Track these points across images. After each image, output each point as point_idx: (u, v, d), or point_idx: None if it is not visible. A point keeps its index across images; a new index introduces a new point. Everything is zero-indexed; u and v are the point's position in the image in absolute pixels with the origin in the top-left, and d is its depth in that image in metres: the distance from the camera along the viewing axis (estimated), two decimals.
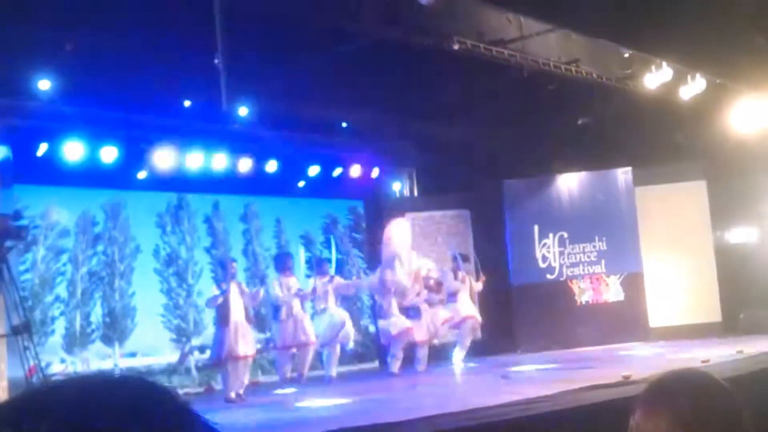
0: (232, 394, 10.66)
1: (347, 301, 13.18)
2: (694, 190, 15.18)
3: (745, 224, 15.79)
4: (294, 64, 10.92)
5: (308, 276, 12.67)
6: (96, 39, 9.82)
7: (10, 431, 0.75)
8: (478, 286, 13.59)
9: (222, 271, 11.31)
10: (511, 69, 11.20)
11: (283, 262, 12.07)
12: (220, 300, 10.81)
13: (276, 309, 11.82)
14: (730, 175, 14.85)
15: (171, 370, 12.59)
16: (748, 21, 11.22)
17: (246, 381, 11.00)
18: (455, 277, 13.50)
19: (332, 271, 12.35)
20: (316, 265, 12.70)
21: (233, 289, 10.94)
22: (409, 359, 12.82)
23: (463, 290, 13.39)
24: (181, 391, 12.10)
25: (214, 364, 11.27)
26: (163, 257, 13.01)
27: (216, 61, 7.63)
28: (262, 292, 11.44)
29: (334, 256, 12.75)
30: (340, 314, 12.12)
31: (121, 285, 12.49)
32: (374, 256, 15.06)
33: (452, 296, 13.42)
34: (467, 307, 13.33)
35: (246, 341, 10.87)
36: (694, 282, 15.05)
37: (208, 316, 13.19)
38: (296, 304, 11.73)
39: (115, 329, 12.33)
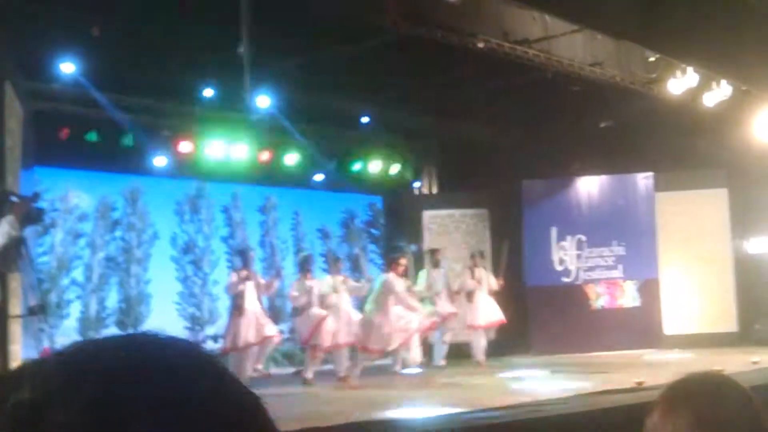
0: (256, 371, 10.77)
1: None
2: (715, 198, 15.07)
3: (765, 234, 15.66)
4: (317, 56, 10.92)
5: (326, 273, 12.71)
6: (121, 25, 9.86)
7: (41, 390, 0.73)
8: (495, 284, 13.44)
9: (240, 259, 11.39)
10: (535, 69, 11.15)
11: (304, 264, 12.01)
12: (241, 287, 10.86)
13: (293, 309, 11.88)
14: (752, 185, 14.73)
15: None
16: None
17: (261, 365, 11.06)
18: (472, 276, 13.45)
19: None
20: (333, 263, 12.62)
21: (251, 279, 11.04)
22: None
23: (479, 289, 13.32)
24: None
25: (225, 351, 11.30)
26: (180, 245, 13.06)
27: (240, 50, 7.63)
28: (276, 283, 11.49)
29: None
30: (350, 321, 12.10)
31: (137, 271, 12.55)
32: (391, 251, 15.05)
33: (468, 296, 13.37)
34: (447, 307, 13.20)
35: (267, 326, 10.94)
36: (710, 291, 14.94)
37: (223, 305, 13.22)
38: (315, 300, 11.68)
39: (129, 315, 12.38)
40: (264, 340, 11.04)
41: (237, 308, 10.90)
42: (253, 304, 10.95)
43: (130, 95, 11.63)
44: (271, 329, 11.10)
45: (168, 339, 0.82)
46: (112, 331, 12.19)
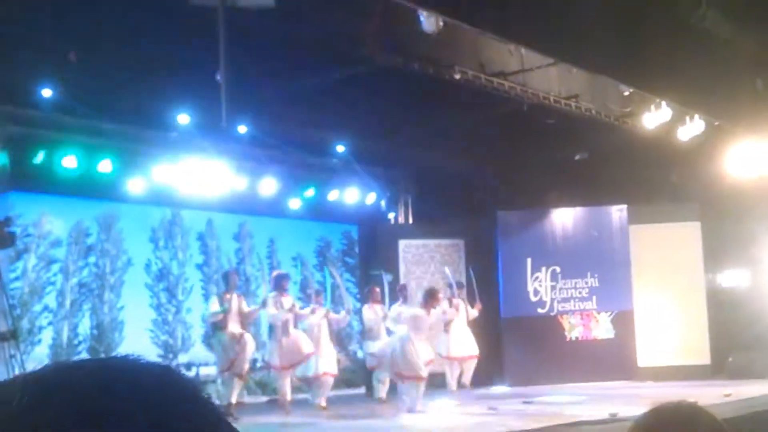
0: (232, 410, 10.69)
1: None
2: (688, 231, 15.18)
3: (738, 267, 15.80)
4: (295, 84, 10.95)
5: (302, 301, 12.75)
6: (99, 51, 9.84)
7: (12, 408, 0.73)
8: (474, 312, 13.40)
9: (224, 283, 11.45)
10: (511, 101, 11.24)
11: (279, 282, 12.05)
12: (220, 317, 10.93)
13: (271, 328, 11.86)
14: (725, 218, 14.86)
15: None
16: (749, 64, 11.30)
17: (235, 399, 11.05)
18: (450, 305, 13.42)
19: (327, 303, 12.33)
20: (315, 295, 12.63)
21: (234, 302, 11.08)
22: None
23: (457, 317, 13.28)
24: None
25: (226, 369, 11.30)
26: (155, 272, 12.97)
27: (217, 77, 7.65)
28: (257, 313, 11.57)
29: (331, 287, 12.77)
30: (331, 352, 12.11)
31: (110, 298, 12.44)
32: (366, 281, 15.05)
33: (445, 326, 13.35)
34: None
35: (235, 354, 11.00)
36: (684, 323, 15.01)
37: (196, 333, 13.15)
38: (291, 321, 11.71)
39: (102, 342, 12.26)
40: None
41: (221, 329, 11.01)
42: (235, 327, 11.06)
43: (106, 121, 11.59)
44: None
45: (145, 363, 0.82)
46: (83, 358, 12.05)
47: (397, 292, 13.00)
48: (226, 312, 11.06)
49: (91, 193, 12.18)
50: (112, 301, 12.44)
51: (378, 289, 12.99)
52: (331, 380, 12.06)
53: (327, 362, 11.96)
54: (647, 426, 1.86)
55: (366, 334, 13.16)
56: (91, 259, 12.37)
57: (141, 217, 12.93)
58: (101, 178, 11.95)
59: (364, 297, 13.31)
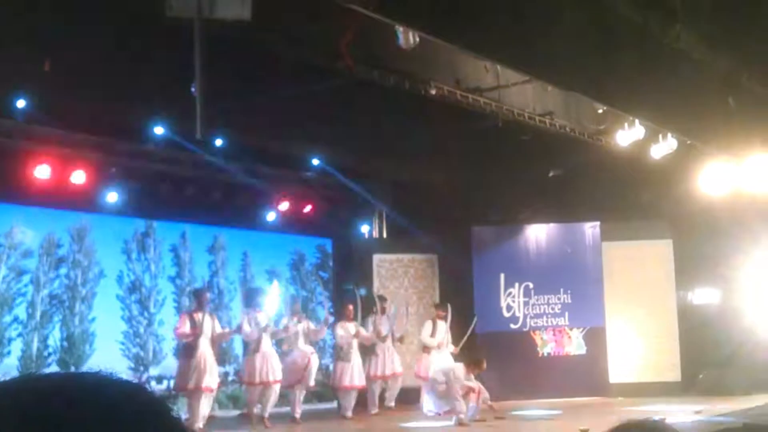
0: (196, 428, 10.57)
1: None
2: (660, 249, 15.29)
3: (709, 285, 15.91)
4: (270, 97, 10.93)
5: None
6: (73, 61, 9.78)
7: None
8: (452, 349, 13.41)
9: (195, 301, 11.34)
10: (487, 117, 11.29)
11: (253, 298, 12.05)
12: (191, 338, 10.80)
13: (245, 344, 11.82)
14: (696, 237, 14.97)
15: None
16: (721, 83, 11.40)
17: (207, 414, 10.94)
18: (434, 329, 13.40)
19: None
20: (289, 304, 12.62)
21: (206, 321, 10.95)
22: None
23: (439, 351, 13.27)
24: None
25: (174, 393, 11.21)
26: (127, 284, 12.89)
27: (192, 89, 7.61)
28: (230, 336, 11.52)
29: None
30: (306, 354, 12.09)
31: (81, 309, 12.34)
32: (340, 295, 15.04)
33: (426, 349, 13.38)
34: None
35: (211, 374, 10.86)
36: (655, 340, 15.10)
37: (168, 346, 13.07)
38: (266, 340, 11.64)
39: (72, 354, 12.15)
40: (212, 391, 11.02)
41: (189, 349, 10.87)
42: (205, 346, 10.91)
43: (79, 131, 11.53)
44: (215, 380, 11.06)
45: (115, 379, 0.81)
46: (53, 370, 11.93)
47: (379, 306, 13.17)
48: (197, 333, 10.88)
49: (64, 204, 12.10)
50: (83, 313, 12.34)
51: (351, 307, 12.99)
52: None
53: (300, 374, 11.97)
54: None
55: (336, 352, 13.14)
56: (63, 271, 12.27)
57: (114, 228, 12.85)
58: (74, 189, 11.87)
59: (339, 314, 13.29)
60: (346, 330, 12.73)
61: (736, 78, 11.32)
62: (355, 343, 12.67)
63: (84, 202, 12.13)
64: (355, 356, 12.66)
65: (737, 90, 11.50)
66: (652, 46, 10.10)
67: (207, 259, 13.95)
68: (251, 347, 11.63)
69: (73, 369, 12.06)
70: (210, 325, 11.09)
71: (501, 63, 9.86)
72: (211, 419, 11.44)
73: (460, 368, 11.72)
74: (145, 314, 13.00)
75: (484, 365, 12.02)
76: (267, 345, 11.64)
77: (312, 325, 12.49)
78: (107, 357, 12.39)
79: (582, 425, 9.54)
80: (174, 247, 13.51)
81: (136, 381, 0.86)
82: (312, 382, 12.23)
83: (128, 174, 12.38)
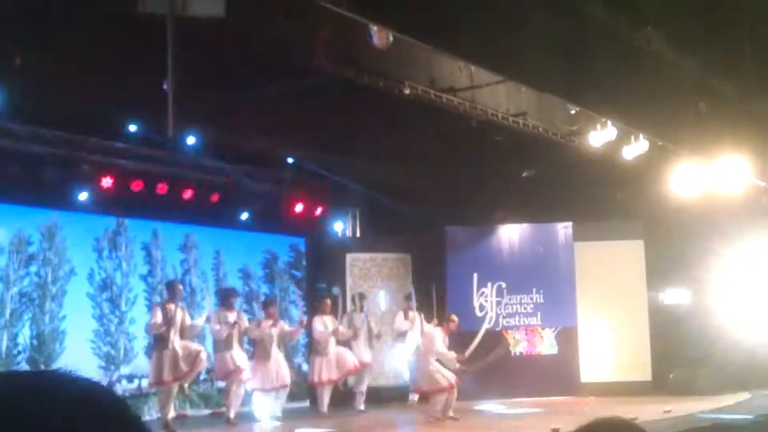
0: (169, 419, 10.64)
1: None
2: (632, 249, 15.40)
3: (679, 286, 16.04)
4: (244, 95, 10.90)
5: (247, 313, 12.79)
6: (45, 57, 9.71)
7: None
8: (430, 327, 13.36)
9: (168, 293, 11.32)
10: (461, 117, 11.31)
11: (226, 297, 12.05)
12: (163, 329, 10.79)
13: (214, 342, 11.80)
14: (668, 237, 15.10)
15: None
16: (692, 86, 11.50)
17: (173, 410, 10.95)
18: (405, 317, 13.48)
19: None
20: (263, 307, 12.64)
21: (178, 313, 10.96)
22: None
23: (412, 330, 13.33)
24: None
25: (151, 386, 11.23)
26: (98, 282, 12.79)
27: (164, 87, 7.57)
28: (200, 328, 11.49)
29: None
30: (280, 360, 12.12)
31: (51, 307, 12.23)
32: (312, 294, 15.02)
33: (400, 336, 13.43)
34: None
35: (185, 364, 10.88)
36: (626, 340, 15.21)
37: (139, 344, 12.99)
38: (235, 335, 11.65)
39: (42, 352, 12.05)
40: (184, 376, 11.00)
41: (162, 341, 10.85)
42: (177, 339, 10.92)
43: (51, 128, 11.43)
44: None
45: (75, 377, 0.81)
46: (22, 368, 11.84)
47: (357, 304, 13.23)
48: (169, 324, 10.92)
49: (34, 201, 12.00)
50: (54, 311, 12.23)
51: (329, 302, 13.03)
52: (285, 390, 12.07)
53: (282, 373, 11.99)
54: None
55: (314, 347, 13.13)
56: (33, 268, 12.16)
57: (85, 226, 12.75)
58: (45, 185, 11.77)
59: (315, 309, 13.30)
60: (325, 324, 12.75)
61: (707, 82, 11.43)
62: (332, 338, 12.71)
63: (54, 199, 12.03)
64: (332, 350, 12.69)
65: (708, 92, 11.61)
66: (623, 48, 10.18)
67: (179, 258, 13.88)
68: (221, 346, 11.62)
69: (43, 367, 11.96)
70: (181, 317, 11.11)
71: (474, 63, 9.88)
72: (182, 418, 11.41)
73: (438, 333, 11.89)
74: (116, 312, 12.92)
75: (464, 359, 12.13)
76: (236, 343, 11.65)
77: (287, 327, 12.52)
78: (78, 355, 12.30)
79: (553, 424, 9.58)
80: (146, 245, 13.43)
81: (98, 380, 0.85)
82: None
83: (100, 171, 12.29)
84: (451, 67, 10.65)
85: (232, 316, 11.71)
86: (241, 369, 11.53)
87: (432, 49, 9.50)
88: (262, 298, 13.93)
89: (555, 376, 14.83)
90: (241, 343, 11.87)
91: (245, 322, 11.99)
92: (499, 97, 11.42)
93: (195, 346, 11.22)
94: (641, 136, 11.92)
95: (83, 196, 12.24)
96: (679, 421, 10.51)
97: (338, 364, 12.79)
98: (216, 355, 11.83)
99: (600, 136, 11.83)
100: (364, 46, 8.98)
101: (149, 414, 12.61)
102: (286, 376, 12.09)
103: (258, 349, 12.12)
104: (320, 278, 15.64)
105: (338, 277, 15.23)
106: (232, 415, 11.52)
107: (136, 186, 12.63)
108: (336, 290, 15.25)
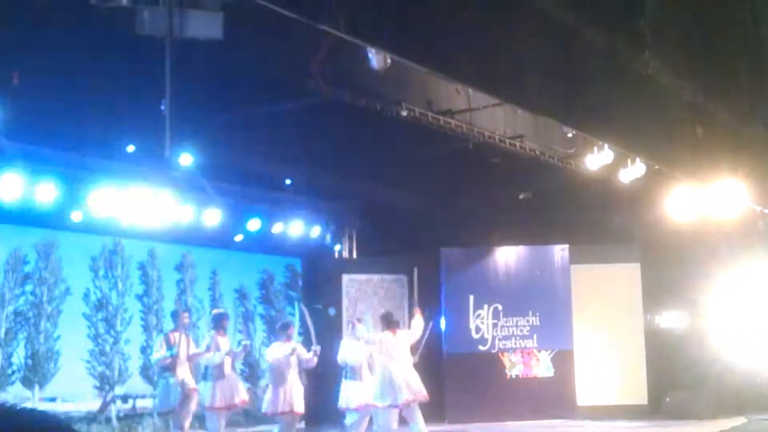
0: None
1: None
2: (628, 273, 15.39)
3: (676, 309, 16.04)
4: (241, 116, 10.92)
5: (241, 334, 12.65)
6: (44, 76, 9.73)
7: None
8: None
9: (173, 322, 11.19)
10: (457, 139, 11.34)
11: (219, 321, 11.80)
12: (168, 361, 10.68)
13: (206, 368, 11.52)
14: (664, 261, 15.11)
15: (91, 418, 12.26)
16: (688, 111, 11.55)
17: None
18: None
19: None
20: (279, 330, 12.19)
21: (182, 342, 10.82)
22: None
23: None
24: None
25: (165, 413, 11.14)
26: (93, 302, 12.75)
27: (162, 107, 7.60)
28: (202, 356, 11.27)
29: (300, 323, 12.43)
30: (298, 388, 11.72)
31: (47, 327, 12.19)
32: (310, 315, 14.94)
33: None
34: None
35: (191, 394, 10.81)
36: (622, 363, 15.18)
37: (134, 365, 12.95)
38: (227, 363, 11.39)
39: (36, 372, 12.00)
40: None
41: (171, 369, 10.76)
42: (185, 367, 10.84)
43: (47, 147, 11.44)
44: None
45: (20, 409, 0.81)
46: (17, 388, 11.78)
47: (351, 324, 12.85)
48: (174, 355, 10.80)
49: (31, 220, 11.98)
50: (48, 331, 12.19)
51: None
52: (297, 418, 11.71)
53: (295, 400, 11.53)
54: None
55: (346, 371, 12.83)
56: (28, 287, 12.13)
57: (81, 245, 12.73)
58: (41, 205, 11.75)
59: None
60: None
61: (703, 105, 11.47)
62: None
63: (51, 218, 12.00)
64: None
65: (704, 117, 11.66)
66: (621, 72, 10.23)
67: (175, 278, 13.85)
68: (214, 372, 11.30)
69: (37, 387, 11.92)
70: (185, 345, 10.99)
71: (471, 86, 9.92)
72: None
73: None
74: (112, 332, 12.88)
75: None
76: (229, 368, 11.39)
77: (303, 351, 12.11)
78: (72, 375, 12.26)
79: None
80: (142, 265, 13.41)
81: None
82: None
83: (96, 190, 12.27)
84: (448, 89, 10.69)
85: (224, 342, 11.44)
86: (234, 405, 11.33)
87: (429, 71, 9.55)
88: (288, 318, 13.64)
89: (551, 399, 14.79)
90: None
91: (234, 350, 11.64)
92: (496, 120, 11.46)
93: (190, 385, 11.08)
94: (638, 159, 11.96)
95: (79, 215, 12.21)
96: None
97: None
98: (206, 383, 11.55)
99: (597, 159, 11.87)
100: (361, 68, 9.01)
101: None
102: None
103: (275, 375, 11.68)
104: (316, 299, 15.61)
105: (335, 298, 15.20)
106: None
107: (133, 206, 12.61)
108: (332, 311, 15.23)
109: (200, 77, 9.16)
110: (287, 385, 11.22)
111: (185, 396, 10.91)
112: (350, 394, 11.60)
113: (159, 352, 10.89)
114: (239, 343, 11.68)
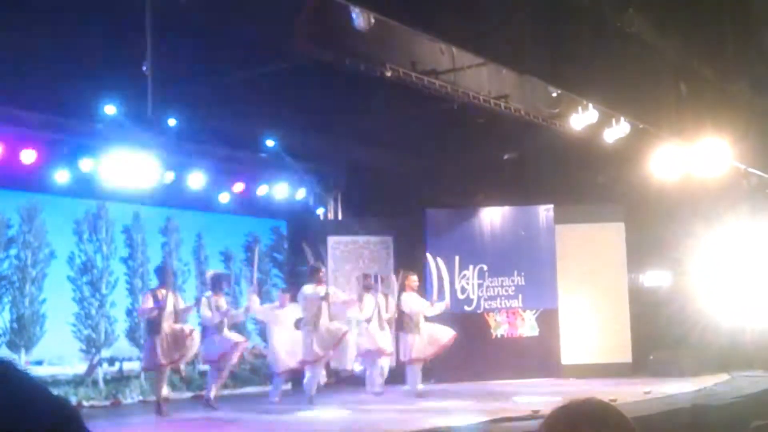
0: (162, 400, 10.68)
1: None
2: (612, 232, 15.47)
3: (660, 268, 16.14)
4: (225, 77, 10.85)
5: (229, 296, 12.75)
6: (23, 38, 9.62)
7: None
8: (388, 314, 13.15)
9: (158, 279, 11.30)
10: (442, 100, 11.30)
11: (218, 282, 12.06)
12: (155, 313, 10.78)
13: (204, 328, 11.80)
14: (648, 220, 15.17)
15: (78, 382, 12.28)
16: (673, 69, 11.53)
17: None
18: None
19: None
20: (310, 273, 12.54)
21: (169, 298, 10.97)
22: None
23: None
24: (86, 404, 11.86)
25: (145, 370, 11.26)
26: (78, 265, 12.72)
27: (144, 68, 7.53)
28: (190, 311, 11.50)
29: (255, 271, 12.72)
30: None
31: (31, 291, 12.16)
32: (294, 277, 15.00)
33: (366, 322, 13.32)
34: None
35: (177, 349, 10.91)
36: (606, 322, 15.29)
37: (120, 327, 12.96)
38: (226, 322, 11.78)
39: (22, 336, 11.99)
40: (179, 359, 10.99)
41: (155, 326, 10.84)
42: (168, 323, 10.93)
43: (29, 110, 11.33)
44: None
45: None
46: (2, 352, 11.77)
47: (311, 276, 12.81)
48: (161, 309, 10.93)
49: (13, 184, 11.92)
50: (34, 294, 12.17)
51: (416, 278, 13.08)
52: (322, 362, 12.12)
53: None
54: (557, 421, 1.89)
55: (404, 324, 12.97)
56: (12, 251, 12.08)
57: (65, 209, 12.67)
58: (24, 168, 11.68)
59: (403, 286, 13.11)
60: (416, 301, 12.85)
61: (688, 64, 11.46)
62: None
63: (34, 181, 11.95)
64: (424, 328, 12.94)
65: (688, 75, 11.65)
66: (605, 30, 10.19)
67: (160, 241, 13.82)
68: (209, 331, 11.64)
69: (23, 351, 11.92)
70: (173, 301, 11.13)
71: (455, 45, 9.88)
72: (164, 401, 11.42)
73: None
74: (97, 296, 12.86)
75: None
76: (226, 328, 11.75)
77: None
78: (58, 339, 12.26)
79: (534, 406, 9.64)
80: (126, 228, 13.37)
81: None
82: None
83: (79, 154, 12.19)
84: (433, 49, 10.63)
85: (221, 302, 11.74)
86: (237, 345, 11.63)
87: (413, 31, 9.49)
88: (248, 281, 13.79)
89: (536, 358, 14.90)
90: (229, 327, 11.96)
91: (232, 312, 11.99)
92: (481, 80, 11.40)
93: (186, 327, 11.23)
94: (622, 119, 11.96)
95: (63, 178, 12.15)
96: (658, 402, 10.59)
97: (430, 340, 12.79)
98: (204, 340, 11.79)
99: (581, 118, 11.86)
100: (345, 28, 8.94)
101: (131, 397, 12.61)
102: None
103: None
104: (302, 261, 15.62)
105: (320, 260, 15.21)
106: (212, 395, 11.57)
107: (116, 169, 12.53)
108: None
109: (183, 39, 9.08)
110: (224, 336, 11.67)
111: (231, 349, 11.28)
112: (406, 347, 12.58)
113: (146, 305, 10.99)
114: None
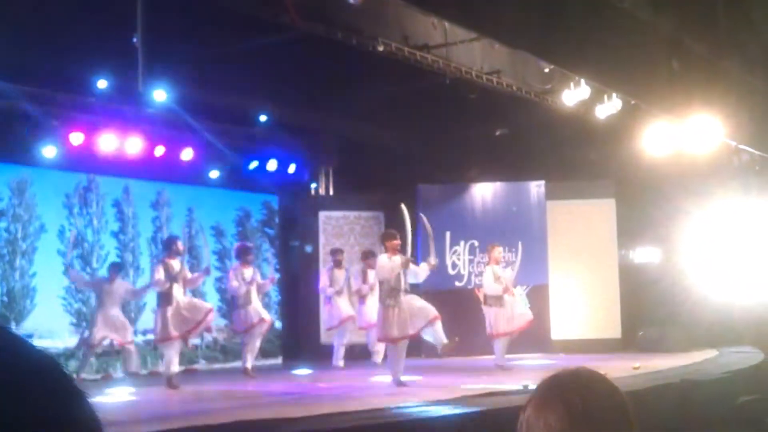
0: (172, 372, 10.70)
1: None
2: (603, 208, 15.49)
3: (650, 245, 16.19)
4: (216, 51, 10.79)
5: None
6: (13, 11, 9.54)
7: None
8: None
9: (165, 249, 11.28)
10: (434, 75, 11.26)
11: (243, 253, 12.20)
12: (167, 286, 10.73)
13: (233, 298, 12.23)
14: (639, 196, 15.19)
15: (69, 355, 12.29)
16: (665, 45, 11.51)
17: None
18: (365, 278, 13.42)
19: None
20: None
21: (179, 268, 11.00)
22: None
23: (371, 295, 13.17)
24: (76, 377, 11.87)
25: (158, 342, 11.23)
26: (68, 239, 12.70)
27: (134, 40, 7.48)
28: (203, 279, 11.56)
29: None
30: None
31: (22, 264, 12.15)
32: (285, 251, 15.02)
33: (361, 300, 13.40)
34: (347, 309, 13.54)
35: (186, 322, 10.89)
36: (596, 298, 15.35)
37: None
38: (253, 291, 12.07)
39: (12, 309, 11.99)
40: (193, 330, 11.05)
41: (166, 298, 10.81)
42: (179, 295, 10.90)
43: (18, 83, 11.27)
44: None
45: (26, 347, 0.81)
46: None
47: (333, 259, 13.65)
48: (172, 280, 10.85)
49: (3, 157, 11.87)
50: (24, 268, 12.16)
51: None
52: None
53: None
54: (548, 390, 1.89)
55: (487, 299, 13.17)
56: (2, 225, 12.06)
57: (55, 182, 12.64)
58: (14, 141, 11.63)
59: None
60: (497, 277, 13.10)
61: (679, 40, 11.43)
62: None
63: (24, 155, 11.91)
64: (508, 301, 13.25)
65: (680, 51, 11.63)
66: (598, 5, 10.15)
67: (151, 215, 13.80)
68: (239, 301, 12.00)
69: (14, 324, 11.90)
70: (182, 272, 11.08)
71: (447, 19, 9.84)
72: (191, 372, 11.62)
73: None
74: (88, 269, 12.86)
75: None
76: (254, 295, 12.09)
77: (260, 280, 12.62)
78: (48, 312, 12.26)
79: (523, 381, 9.68)
80: (117, 202, 13.35)
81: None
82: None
83: (69, 127, 12.15)
84: (425, 23, 10.59)
85: (248, 272, 11.98)
86: (263, 321, 12.02)
87: (405, 4, 9.45)
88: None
89: (526, 334, 14.89)
90: (259, 298, 12.30)
91: (259, 279, 12.30)
92: (473, 55, 11.37)
93: (203, 303, 11.30)
94: (614, 95, 11.94)
95: (52, 152, 12.10)
96: (647, 377, 10.65)
97: (514, 315, 12.85)
98: (235, 311, 12.18)
99: (573, 94, 11.84)
100: (337, 2, 8.90)
101: (118, 372, 12.61)
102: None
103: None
104: (293, 236, 15.64)
105: (311, 235, 15.24)
106: (249, 365, 11.86)
107: (107, 142, 12.51)
108: (309, 248, 15.28)
109: (173, 12, 9.02)
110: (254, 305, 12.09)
111: (253, 325, 11.77)
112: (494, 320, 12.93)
113: (158, 276, 10.87)
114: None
